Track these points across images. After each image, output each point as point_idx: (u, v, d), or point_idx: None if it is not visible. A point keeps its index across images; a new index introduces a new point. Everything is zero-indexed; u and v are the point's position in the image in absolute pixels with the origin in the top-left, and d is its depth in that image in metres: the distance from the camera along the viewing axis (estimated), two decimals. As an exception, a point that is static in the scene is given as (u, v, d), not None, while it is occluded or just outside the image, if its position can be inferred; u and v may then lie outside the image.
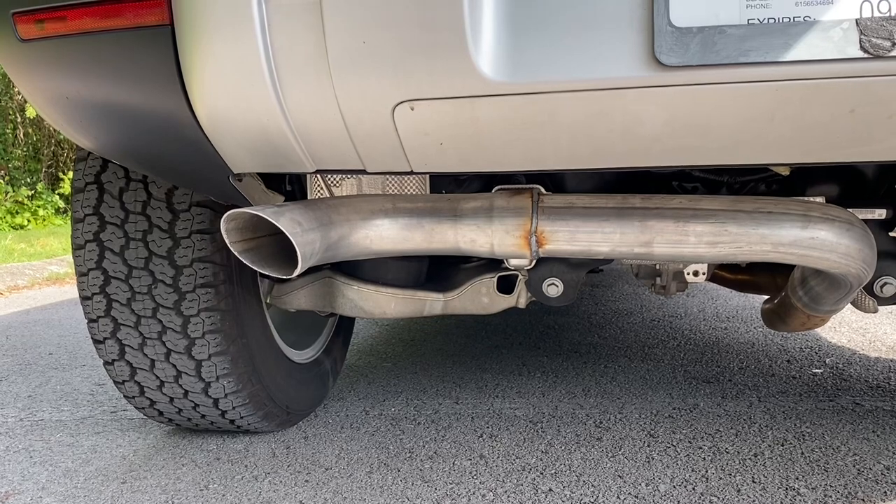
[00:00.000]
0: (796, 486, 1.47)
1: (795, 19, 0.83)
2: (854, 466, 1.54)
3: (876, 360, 2.32)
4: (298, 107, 0.97)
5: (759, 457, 1.60)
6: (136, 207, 1.48)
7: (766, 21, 0.84)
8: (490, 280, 1.67)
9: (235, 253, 1.12)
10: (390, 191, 1.45)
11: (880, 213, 1.44)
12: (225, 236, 1.10)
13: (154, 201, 1.48)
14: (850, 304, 1.58)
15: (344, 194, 1.44)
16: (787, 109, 0.87)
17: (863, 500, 1.41)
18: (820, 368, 2.25)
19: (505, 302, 1.68)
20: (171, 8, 0.97)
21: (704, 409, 1.91)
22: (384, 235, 1.28)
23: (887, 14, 0.81)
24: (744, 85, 0.85)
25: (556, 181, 1.48)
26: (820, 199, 1.39)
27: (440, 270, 1.77)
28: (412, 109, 0.93)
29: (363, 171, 1.06)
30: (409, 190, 1.45)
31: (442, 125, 0.96)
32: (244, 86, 0.96)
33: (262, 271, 1.14)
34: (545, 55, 0.88)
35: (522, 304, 1.68)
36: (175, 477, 1.59)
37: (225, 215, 1.08)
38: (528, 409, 1.94)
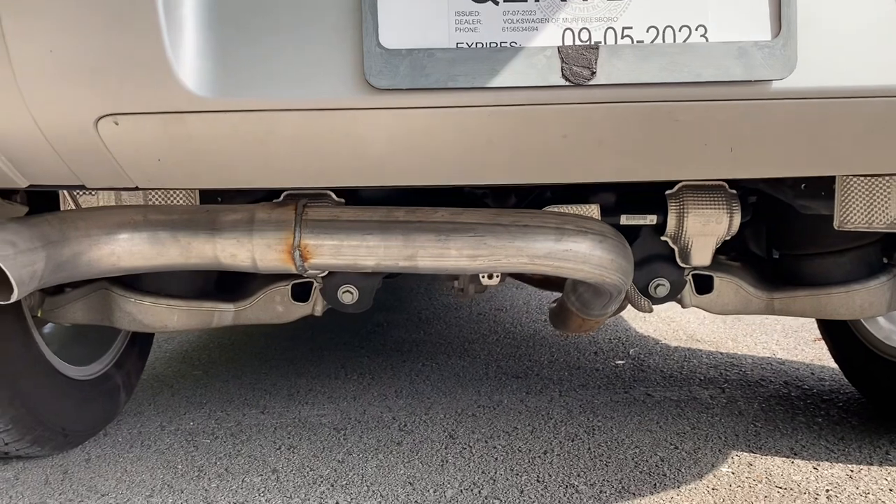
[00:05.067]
0: (576, 483, 1.52)
1: (502, 45, 0.83)
2: (633, 460, 1.62)
3: (675, 350, 2.47)
4: (-10, 119, 0.87)
5: (548, 454, 1.65)
6: None
7: (474, 45, 0.83)
8: (284, 288, 1.61)
9: (-63, 278, 1.00)
10: (155, 202, 1.35)
11: (651, 219, 1.50)
12: (-78, 260, 0.97)
13: None
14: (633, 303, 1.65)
15: (100, 205, 1.33)
16: (502, 134, 0.87)
17: (634, 493, 1.49)
18: (623, 359, 2.37)
19: (300, 310, 1.63)
20: None
21: (508, 405, 1.95)
22: (133, 251, 1.19)
23: (588, 43, 0.83)
24: (456, 109, 0.84)
25: (349, 189, 1.44)
26: (594, 207, 1.44)
27: (232, 278, 1.69)
28: (117, 124, 0.85)
29: (82, 187, 0.97)
30: (175, 201, 1.36)
31: (154, 141, 0.88)
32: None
33: (-27, 297, 1.03)
34: (256, 72, 0.83)
35: (319, 311, 1.63)
36: (-80, 516, 1.43)
37: (-84, 238, 0.96)
38: (336, 415, 1.90)
